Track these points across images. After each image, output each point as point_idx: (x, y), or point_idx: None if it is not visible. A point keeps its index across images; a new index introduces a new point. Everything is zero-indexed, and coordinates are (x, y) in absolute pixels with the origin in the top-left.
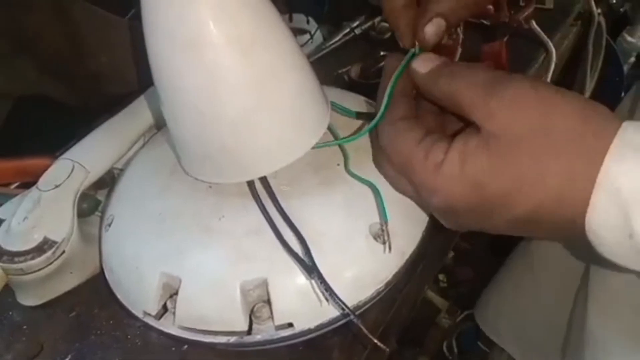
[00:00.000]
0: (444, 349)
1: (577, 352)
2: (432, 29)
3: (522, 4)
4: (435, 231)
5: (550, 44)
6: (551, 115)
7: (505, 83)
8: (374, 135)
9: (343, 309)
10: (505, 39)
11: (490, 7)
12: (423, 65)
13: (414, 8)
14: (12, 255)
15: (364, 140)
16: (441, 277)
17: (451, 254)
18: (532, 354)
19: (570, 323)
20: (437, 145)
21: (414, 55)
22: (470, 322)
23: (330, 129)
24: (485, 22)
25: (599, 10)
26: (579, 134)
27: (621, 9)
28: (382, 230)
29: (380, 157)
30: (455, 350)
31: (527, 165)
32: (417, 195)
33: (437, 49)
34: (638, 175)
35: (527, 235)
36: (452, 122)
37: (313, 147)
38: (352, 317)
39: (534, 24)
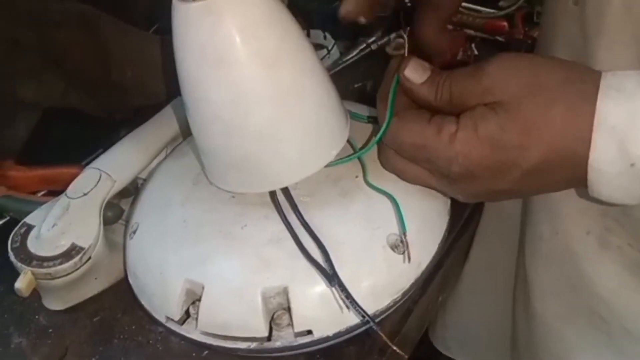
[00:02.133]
0: None
1: (528, 343)
2: None
3: (536, 20)
4: (451, 243)
5: None
6: (539, 72)
7: (486, 62)
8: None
9: (363, 317)
10: None
11: (505, 23)
12: (416, 75)
13: None
14: (42, 260)
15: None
16: None
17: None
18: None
19: (515, 319)
20: (447, 120)
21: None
22: None
23: (349, 141)
24: (499, 38)
25: None
26: (568, 81)
27: None
28: (402, 242)
29: (385, 153)
30: None
31: (531, 116)
32: (432, 176)
33: (452, 64)
34: (625, 110)
35: (536, 191)
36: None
37: (328, 165)
38: (371, 324)
39: None
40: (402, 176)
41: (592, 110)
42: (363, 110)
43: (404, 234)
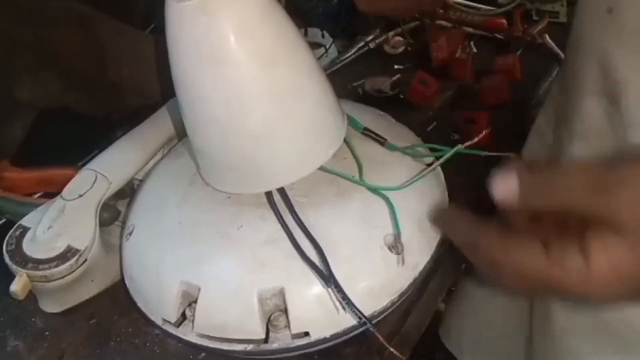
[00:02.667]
0: None
1: (544, 356)
2: None
3: (535, 18)
4: (448, 244)
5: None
6: None
7: (611, 171)
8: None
9: (360, 318)
10: (518, 53)
11: (504, 21)
12: (507, 189)
13: None
14: (37, 263)
15: (378, 152)
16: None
17: (463, 266)
18: None
19: (532, 327)
20: (568, 250)
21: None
22: None
23: (346, 141)
24: (498, 36)
25: None
26: None
27: None
28: (396, 242)
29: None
30: None
31: None
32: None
33: (450, 62)
34: None
35: None
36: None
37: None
38: (368, 325)
39: (547, 38)
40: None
41: None
42: (361, 111)
43: (399, 235)
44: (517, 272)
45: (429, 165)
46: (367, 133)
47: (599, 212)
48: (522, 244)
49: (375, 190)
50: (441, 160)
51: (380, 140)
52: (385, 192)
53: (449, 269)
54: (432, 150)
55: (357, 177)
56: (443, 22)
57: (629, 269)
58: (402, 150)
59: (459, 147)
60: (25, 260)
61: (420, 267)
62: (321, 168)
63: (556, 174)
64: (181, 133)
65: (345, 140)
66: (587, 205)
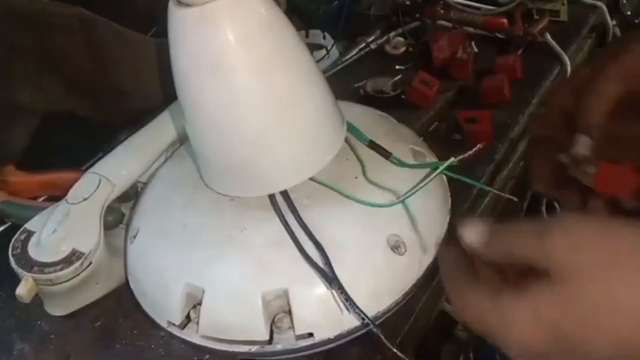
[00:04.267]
0: None
1: None
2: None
3: (536, 17)
4: (451, 243)
5: (565, 57)
6: (613, 244)
7: (553, 220)
8: None
9: (363, 319)
10: (519, 52)
11: (505, 20)
12: (475, 236)
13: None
14: (42, 266)
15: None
16: None
17: None
18: None
19: None
20: (504, 294)
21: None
22: None
23: (348, 143)
24: (499, 35)
25: (614, 22)
26: None
27: (636, 20)
28: (399, 243)
29: None
30: None
31: (599, 298)
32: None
33: (451, 62)
34: None
35: None
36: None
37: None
38: (371, 326)
39: (548, 36)
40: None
41: None
42: (363, 113)
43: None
44: (465, 313)
45: (417, 185)
46: (372, 146)
47: (537, 259)
48: (476, 293)
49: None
50: (435, 174)
51: (385, 154)
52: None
53: None
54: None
55: (359, 178)
56: (444, 23)
57: (553, 319)
58: (407, 165)
59: (452, 160)
60: (30, 264)
61: (424, 267)
62: (315, 180)
63: (511, 227)
64: (184, 136)
65: (347, 142)
66: (529, 254)
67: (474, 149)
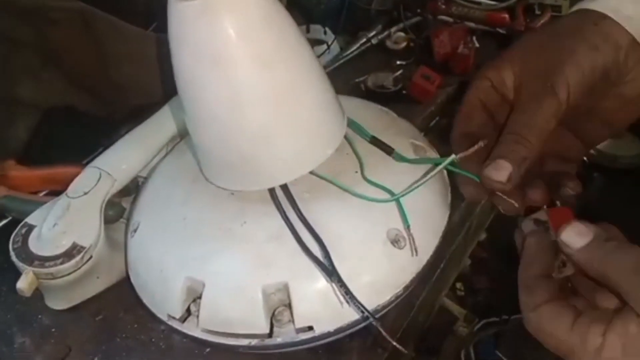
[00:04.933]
0: (462, 357)
1: None
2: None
3: (537, 12)
4: (451, 237)
5: None
6: None
7: None
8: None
9: (362, 312)
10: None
11: (506, 15)
12: (576, 240)
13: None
14: (43, 260)
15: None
16: (458, 285)
17: (468, 262)
18: None
19: None
20: (593, 328)
21: (452, 162)
22: (488, 331)
23: (347, 138)
24: (501, 30)
25: None
26: None
27: None
28: (405, 236)
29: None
30: (473, 358)
31: None
32: None
33: (453, 57)
34: None
35: None
36: (605, 296)
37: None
38: (371, 319)
39: None
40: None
41: None
42: (364, 107)
43: (408, 227)
44: (545, 336)
45: (418, 180)
46: (375, 142)
47: (629, 295)
48: (557, 312)
49: (377, 184)
50: (436, 170)
51: (387, 150)
52: (387, 185)
53: (452, 262)
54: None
55: (358, 177)
56: (445, 17)
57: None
58: (410, 161)
59: (453, 157)
60: (31, 258)
61: (424, 261)
62: (316, 174)
63: (615, 249)
64: (184, 130)
65: (346, 137)
66: (623, 285)
67: (476, 146)
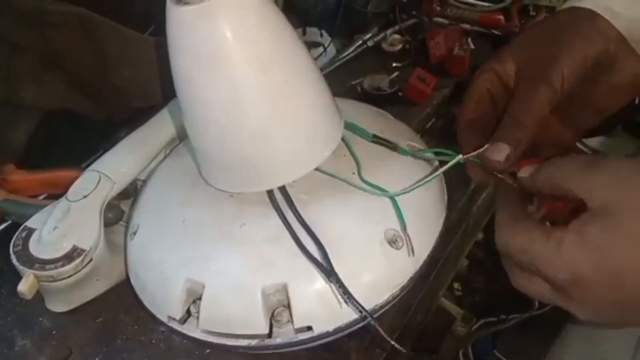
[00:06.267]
0: (460, 357)
1: None
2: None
3: (532, 13)
4: (448, 237)
5: None
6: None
7: (597, 159)
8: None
9: (361, 312)
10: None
11: (501, 17)
12: (526, 170)
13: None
14: (43, 263)
15: (378, 149)
16: (456, 285)
17: (466, 262)
18: None
19: None
20: (555, 228)
21: (459, 163)
22: (486, 331)
23: (344, 140)
24: (496, 32)
25: None
26: None
27: None
28: (402, 237)
29: (511, 269)
30: (472, 358)
31: (636, 218)
32: (553, 291)
33: (448, 59)
34: None
35: None
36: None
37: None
38: (369, 319)
39: None
40: (526, 292)
41: None
42: (361, 109)
43: (405, 228)
44: (511, 242)
45: (421, 180)
46: (377, 141)
47: (580, 192)
48: (527, 222)
49: (374, 186)
50: (443, 168)
51: (392, 146)
52: (384, 187)
53: (449, 262)
54: (438, 154)
55: (356, 178)
56: (440, 20)
57: (598, 243)
58: (415, 154)
59: (460, 157)
60: (31, 261)
61: (421, 261)
62: (320, 170)
63: (558, 162)
64: (183, 133)
65: (343, 140)
66: (573, 187)
67: (482, 148)
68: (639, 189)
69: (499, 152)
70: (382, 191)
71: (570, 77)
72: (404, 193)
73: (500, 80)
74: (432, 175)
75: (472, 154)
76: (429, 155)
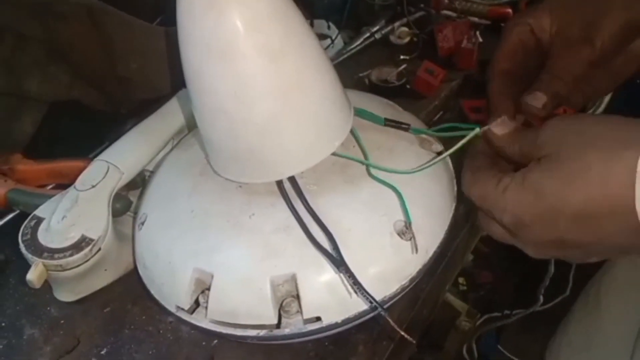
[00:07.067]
0: (464, 352)
1: None
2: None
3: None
4: (456, 231)
5: None
6: (586, 124)
7: (550, 119)
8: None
9: (371, 302)
10: None
11: (509, 10)
12: (499, 129)
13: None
14: (52, 252)
15: (386, 141)
16: (461, 280)
17: (471, 257)
18: None
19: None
20: (506, 174)
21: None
22: (490, 326)
23: (352, 132)
24: (503, 24)
25: None
26: (609, 129)
27: None
28: (407, 229)
29: (480, 216)
30: (475, 353)
31: (573, 162)
32: (508, 233)
33: (456, 52)
34: None
35: (600, 245)
36: None
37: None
38: (379, 309)
39: None
40: (490, 234)
41: (634, 157)
42: (371, 101)
43: (409, 224)
44: (471, 188)
45: (439, 154)
46: (390, 124)
47: (533, 149)
48: (487, 171)
49: (384, 181)
50: (462, 142)
51: (404, 127)
52: (394, 182)
53: (456, 255)
54: (455, 129)
55: (361, 178)
56: (448, 12)
57: (537, 183)
58: (427, 132)
59: (477, 130)
60: (40, 250)
61: (431, 252)
62: (336, 153)
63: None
64: (191, 124)
65: (352, 131)
66: (527, 145)
67: (500, 119)
68: (578, 138)
69: (537, 100)
70: (389, 185)
71: (610, 40)
72: (420, 170)
73: (533, 35)
74: (449, 151)
75: (488, 125)
76: (442, 134)
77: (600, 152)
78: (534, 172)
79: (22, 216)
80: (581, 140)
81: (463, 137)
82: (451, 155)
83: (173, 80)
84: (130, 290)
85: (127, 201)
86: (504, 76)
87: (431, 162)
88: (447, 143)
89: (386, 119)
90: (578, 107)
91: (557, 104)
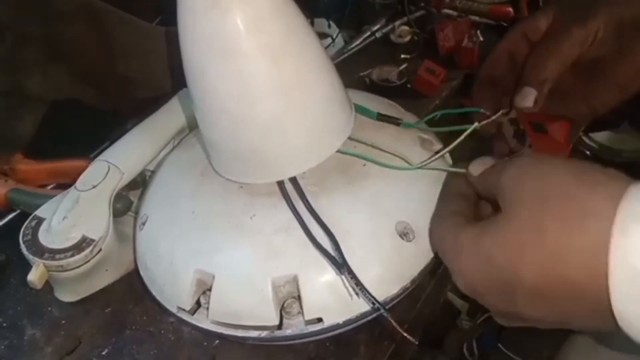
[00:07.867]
0: (464, 351)
1: None
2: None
3: (541, 4)
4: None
5: None
6: (546, 178)
7: (512, 160)
8: None
9: (373, 303)
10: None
11: (510, 9)
12: (475, 169)
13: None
14: (53, 253)
15: (388, 141)
16: None
17: None
18: None
19: None
20: (466, 227)
21: (475, 129)
22: (491, 324)
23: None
24: (505, 24)
25: None
26: (571, 193)
27: None
28: (407, 230)
29: None
30: (476, 352)
31: (526, 230)
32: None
33: (457, 51)
34: None
35: (568, 323)
36: None
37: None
38: (382, 311)
39: None
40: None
41: (597, 230)
42: (372, 100)
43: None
44: (433, 238)
45: (438, 152)
46: (382, 118)
47: (494, 192)
48: (452, 219)
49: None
50: (461, 138)
51: (396, 122)
52: (394, 181)
53: None
54: (448, 119)
55: (367, 165)
56: (449, 11)
57: (489, 248)
58: (417, 126)
59: (476, 125)
60: (41, 250)
61: (432, 254)
62: (343, 151)
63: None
64: (192, 123)
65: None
66: (490, 186)
67: (498, 114)
68: (535, 191)
69: (527, 97)
70: (404, 166)
71: (605, 29)
72: (422, 166)
73: (525, 40)
74: (449, 147)
75: (487, 120)
76: (436, 129)
77: (558, 216)
78: (487, 235)
79: (23, 216)
80: (540, 200)
81: (459, 132)
82: (450, 154)
83: (173, 80)
84: (132, 291)
85: (128, 201)
86: (487, 82)
87: (432, 158)
88: (448, 143)
89: (379, 114)
90: (584, 119)
91: (548, 92)
